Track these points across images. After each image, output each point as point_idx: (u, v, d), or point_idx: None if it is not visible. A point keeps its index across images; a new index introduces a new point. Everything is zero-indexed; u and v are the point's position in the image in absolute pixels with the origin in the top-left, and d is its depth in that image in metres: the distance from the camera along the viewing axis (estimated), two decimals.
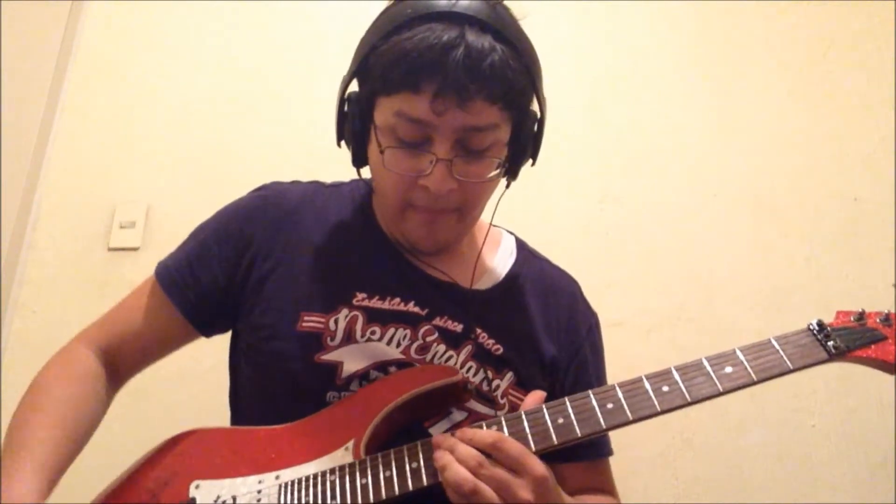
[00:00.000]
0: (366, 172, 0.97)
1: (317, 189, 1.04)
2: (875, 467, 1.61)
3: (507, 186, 0.97)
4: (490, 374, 0.91)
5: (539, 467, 0.73)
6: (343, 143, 0.96)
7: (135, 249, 1.77)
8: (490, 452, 0.73)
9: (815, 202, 1.84)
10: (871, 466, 1.61)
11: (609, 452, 1.02)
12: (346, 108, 0.92)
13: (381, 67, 0.84)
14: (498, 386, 0.91)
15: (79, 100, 1.92)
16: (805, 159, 1.89)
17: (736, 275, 1.78)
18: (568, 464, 0.97)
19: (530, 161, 0.95)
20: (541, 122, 0.93)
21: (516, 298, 1.00)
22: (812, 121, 1.92)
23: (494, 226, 1.05)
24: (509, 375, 0.93)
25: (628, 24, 2.02)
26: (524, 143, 0.91)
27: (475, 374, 0.91)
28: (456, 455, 0.73)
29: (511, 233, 1.10)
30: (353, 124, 0.90)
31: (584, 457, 0.98)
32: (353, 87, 0.94)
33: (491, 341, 0.93)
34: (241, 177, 1.81)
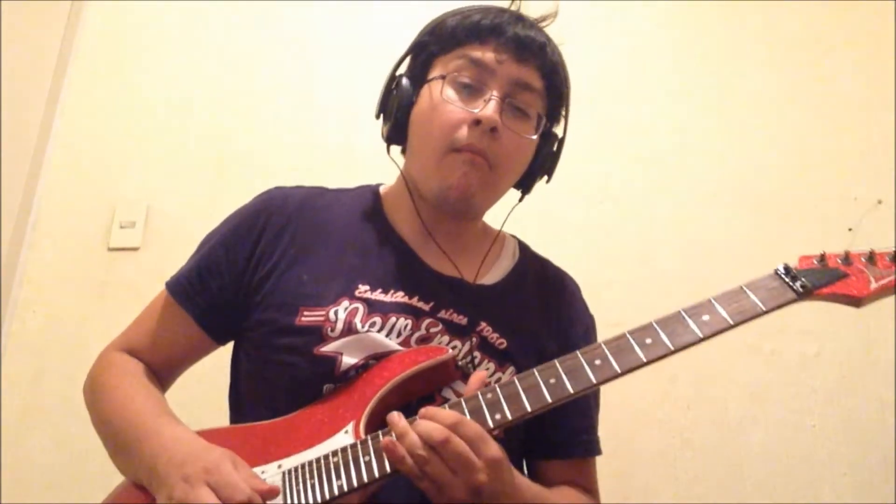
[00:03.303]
0: (394, 153, 1.02)
1: (321, 191, 1.07)
2: (875, 467, 1.61)
3: (521, 200, 1.04)
4: (492, 367, 0.93)
5: (494, 449, 0.75)
6: (381, 117, 1.02)
7: (135, 249, 1.78)
8: (451, 430, 0.74)
9: (815, 202, 1.84)
10: (871, 466, 1.61)
11: (594, 452, 1.02)
12: (393, 86, 1.00)
13: (451, 28, 0.97)
14: (500, 379, 0.92)
15: (79, 100, 1.92)
16: (805, 159, 1.89)
17: (736, 275, 1.77)
18: (552, 461, 0.98)
19: (545, 178, 1.05)
20: (561, 142, 1.04)
21: (520, 294, 1.03)
22: (812, 120, 1.92)
23: (498, 230, 1.09)
24: (511, 370, 0.94)
25: (628, 24, 2.02)
26: (545, 152, 1.01)
27: (477, 366, 0.92)
28: (418, 430, 0.74)
29: (514, 236, 1.13)
30: (401, 92, 0.98)
31: (568, 454, 0.99)
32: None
33: (495, 335, 0.95)
34: (241, 177, 1.83)
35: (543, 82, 0.97)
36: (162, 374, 1.00)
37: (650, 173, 1.89)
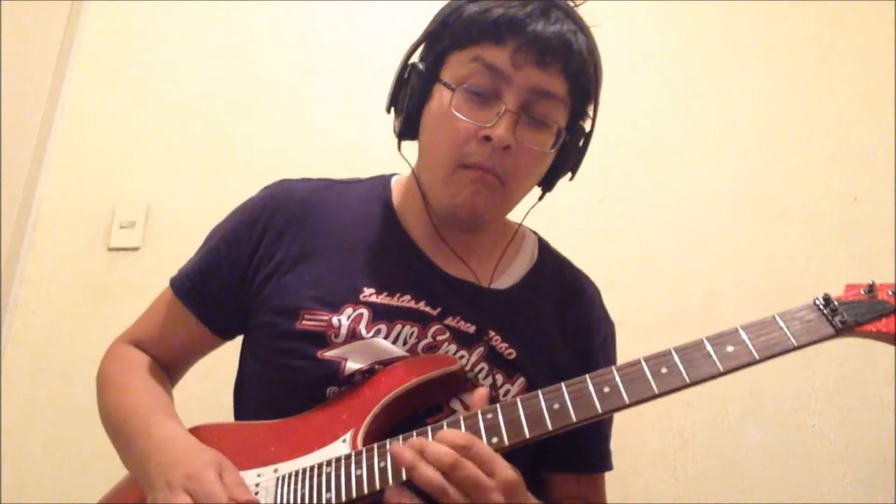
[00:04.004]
0: (405, 148, 0.97)
1: (328, 185, 1.02)
2: (875, 467, 1.61)
3: (541, 198, 0.98)
4: (500, 379, 0.90)
5: (508, 471, 0.71)
6: (393, 111, 0.96)
7: (135, 249, 1.77)
8: (461, 453, 0.70)
9: (815, 202, 1.84)
10: (871, 466, 1.61)
11: (605, 467, 0.99)
12: (405, 75, 0.93)
13: (466, 21, 0.87)
14: (508, 391, 0.90)
15: (79, 100, 1.92)
16: (805, 159, 1.89)
17: (736, 275, 1.78)
18: (561, 473, 0.96)
19: (569, 175, 0.98)
20: (588, 136, 0.96)
21: (534, 300, 0.98)
22: (812, 121, 1.92)
23: (518, 226, 1.04)
24: (521, 381, 0.90)
25: (628, 24, 2.02)
26: (570, 150, 0.94)
27: (485, 378, 0.89)
28: (427, 453, 0.70)
29: (535, 232, 1.08)
30: (413, 86, 0.91)
31: (582, 469, 0.97)
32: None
33: (504, 345, 0.91)
34: (241, 176, 1.83)
35: (567, 85, 0.88)
36: (169, 367, 1.00)
37: (650, 173, 1.89)
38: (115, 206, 1.81)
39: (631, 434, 1.62)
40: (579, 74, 0.89)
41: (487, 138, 0.85)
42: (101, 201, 1.82)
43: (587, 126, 0.96)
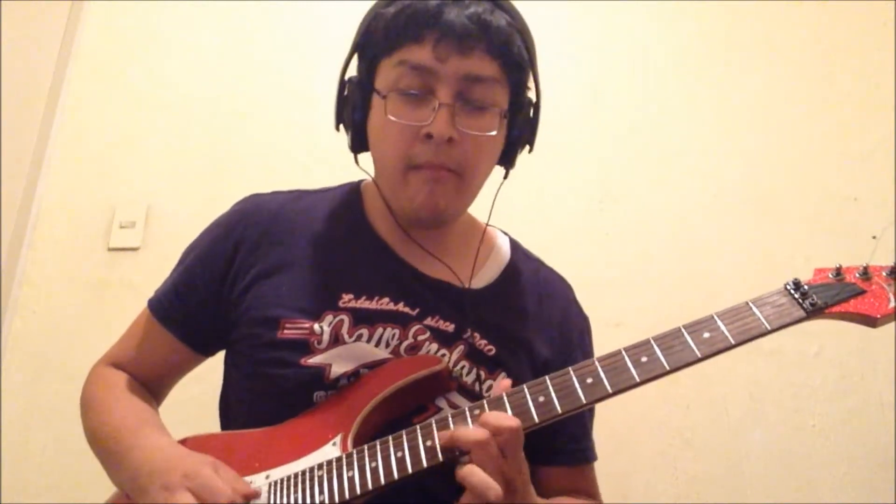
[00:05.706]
0: (363, 160, 0.98)
1: (299, 196, 1.04)
2: (875, 467, 1.61)
3: (505, 177, 0.99)
4: (482, 375, 0.91)
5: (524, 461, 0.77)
6: (342, 128, 0.98)
7: (135, 249, 1.78)
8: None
9: (815, 202, 1.84)
10: (871, 466, 1.61)
11: (592, 458, 1.01)
12: (345, 92, 0.95)
13: (384, 25, 0.88)
14: (491, 387, 0.91)
15: (79, 100, 1.92)
16: (805, 159, 1.89)
17: (736, 275, 1.77)
18: (550, 467, 0.97)
19: (528, 148, 0.98)
20: (536, 106, 0.96)
21: (510, 298, 1.00)
22: (812, 121, 1.92)
23: (490, 226, 1.05)
24: (502, 376, 0.92)
25: (628, 24, 2.02)
26: (520, 123, 0.94)
27: (467, 374, 0.91)
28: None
29: (505, 233, 1.09)
30: (353, 100, 0.93)
31: (566, 462, 0.98)
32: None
33: (483, 342, 0.93)
34: (240, 176, 1.83)
35: (497, 63, 0.88)
36: (152, 386, 1.00)
37: (650, 173, 1.89)
38: (115, 206, 1.81)
39: (631, 434, 1.62)
40: (506, 51, 0.88)
41: (429, 136, 0.86)
42: (101, 201, 1.82)
43: (533, 95, 0.96)
